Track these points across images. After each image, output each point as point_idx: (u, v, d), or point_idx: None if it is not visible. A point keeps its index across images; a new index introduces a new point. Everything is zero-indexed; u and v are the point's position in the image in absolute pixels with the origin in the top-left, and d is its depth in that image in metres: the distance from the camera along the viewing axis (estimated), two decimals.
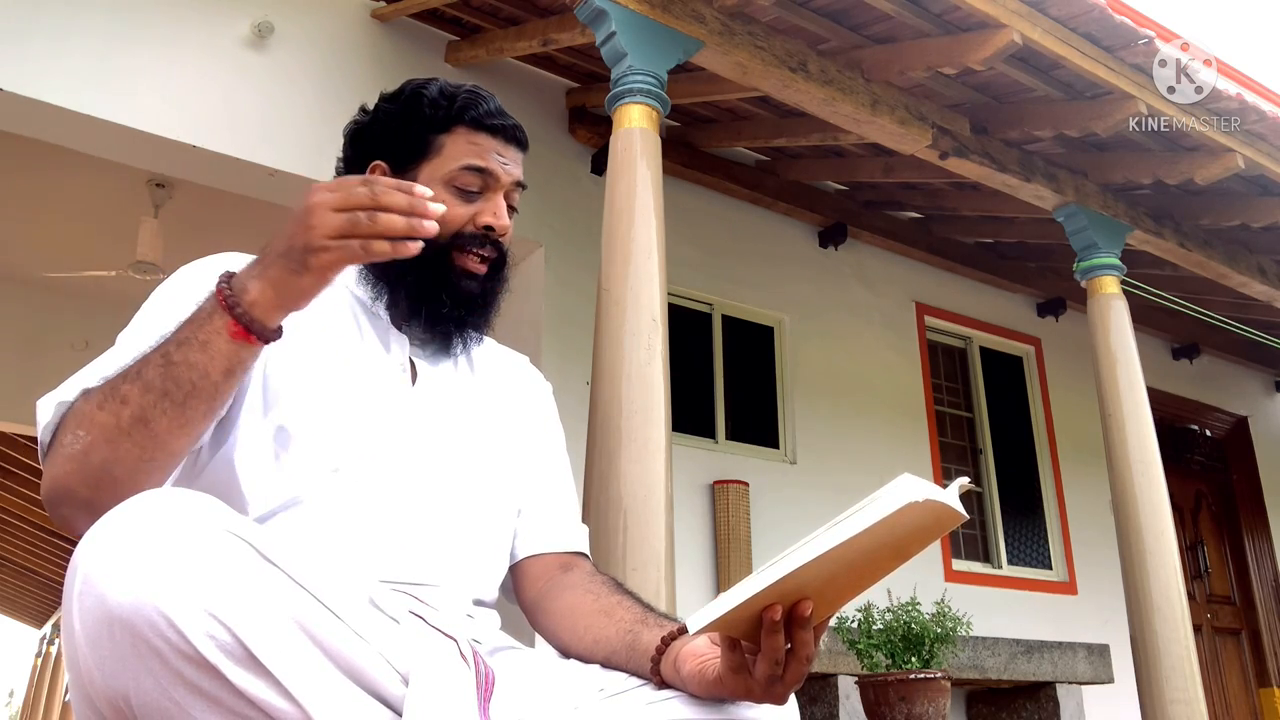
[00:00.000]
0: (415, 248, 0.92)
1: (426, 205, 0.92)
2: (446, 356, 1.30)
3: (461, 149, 1.26)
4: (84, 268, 5.04)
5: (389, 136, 1.29)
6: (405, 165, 1.27)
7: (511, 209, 1.30)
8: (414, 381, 1.25)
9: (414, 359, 1.27)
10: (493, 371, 1.37)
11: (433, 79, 1.32)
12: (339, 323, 1.24)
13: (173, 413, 0.96)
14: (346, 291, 1.28)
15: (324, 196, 0.92)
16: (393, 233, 0.91)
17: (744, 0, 3.05)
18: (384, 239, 0.91)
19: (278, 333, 0.98)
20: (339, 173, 1.35)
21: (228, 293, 0.95)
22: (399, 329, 1.27)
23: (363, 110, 1.34)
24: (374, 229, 0.91)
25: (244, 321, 0.95)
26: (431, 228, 0.92)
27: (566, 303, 4.01)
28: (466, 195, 1.25)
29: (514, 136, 1.30)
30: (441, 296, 1.23)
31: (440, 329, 1.26)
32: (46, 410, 1.03)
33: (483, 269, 1.26)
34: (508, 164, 1.28)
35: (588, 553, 1.35)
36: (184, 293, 1.17)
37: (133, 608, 0.78)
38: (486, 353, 1.40)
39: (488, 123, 1.27)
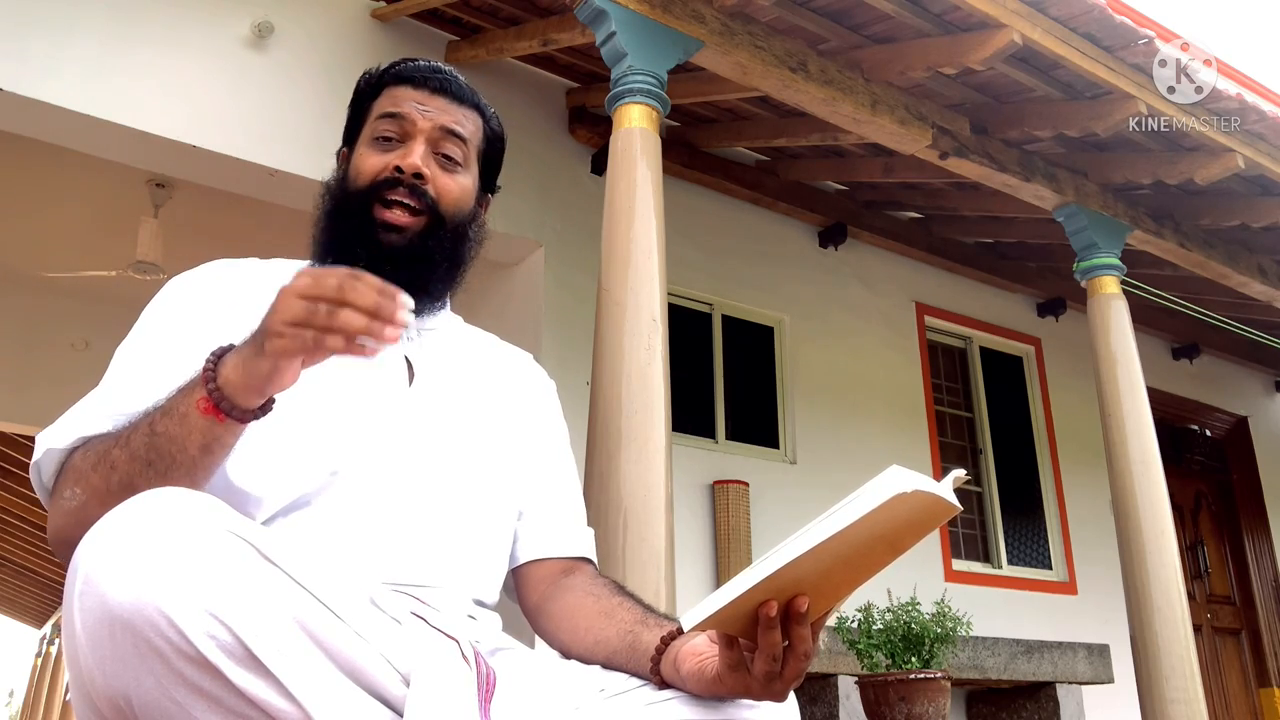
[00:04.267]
0: (372, 349, 0.90)
1: (396, 310, 0.89)
2: (441, 355, 1.29)
3: (382, 104, 1.28)
4: (84, 268, 5.04)
5: (346, 126, 1.34)
6: (352, 141, 1.31)
7: (449, 160, 1.26)
8: (411, 381, 1.24)
9: (410, 358, 1.25)
10: (494, 369, 1.36)
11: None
12: None
13: (157, 482, 0.95)
14: None
15: (297, 282, 0.90)
16: (348, 330, 0.88)
17: (744, 0, 3.05)
18: (339, 334, 0.89)
19: (252, 414, 0.96)
20: None
21: (210, 366, 0.95)
22: None
23: None
24: (329, 323, 0.88)
25: (215, 398, 0.94)
26: (392, 335, 0.89)
27: (566, 303, 4.01)
28: (385, 144, 1.26)
29: (441, 86, 1.28)
30: (355, 249, 1.20)
31: None
32: (42, 448, 1.04)
33: (405, 220, 1.22)
34: (428, 110, 1.26)
35: (592, 557, 1.34)
36: (176, 303, 1.18)
37: (133, 608, 0.78)
38: (488, 350, 1.39)
39: (408, 75, 1.29)
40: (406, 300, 0.90)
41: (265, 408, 0.97)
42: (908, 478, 0.79)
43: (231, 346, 0.97)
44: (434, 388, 1.25)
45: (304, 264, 1.31)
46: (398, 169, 1.22)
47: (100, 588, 0.80)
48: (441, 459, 1.20)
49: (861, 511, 0.80)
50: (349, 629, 0.85)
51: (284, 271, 1.26)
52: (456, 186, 1.27)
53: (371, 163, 1.24)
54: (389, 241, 1.21)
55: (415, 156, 1.23)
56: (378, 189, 1.22)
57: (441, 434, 1.21)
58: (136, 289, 4.76)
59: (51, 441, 1.04)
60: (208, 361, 0.96)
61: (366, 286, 0.89)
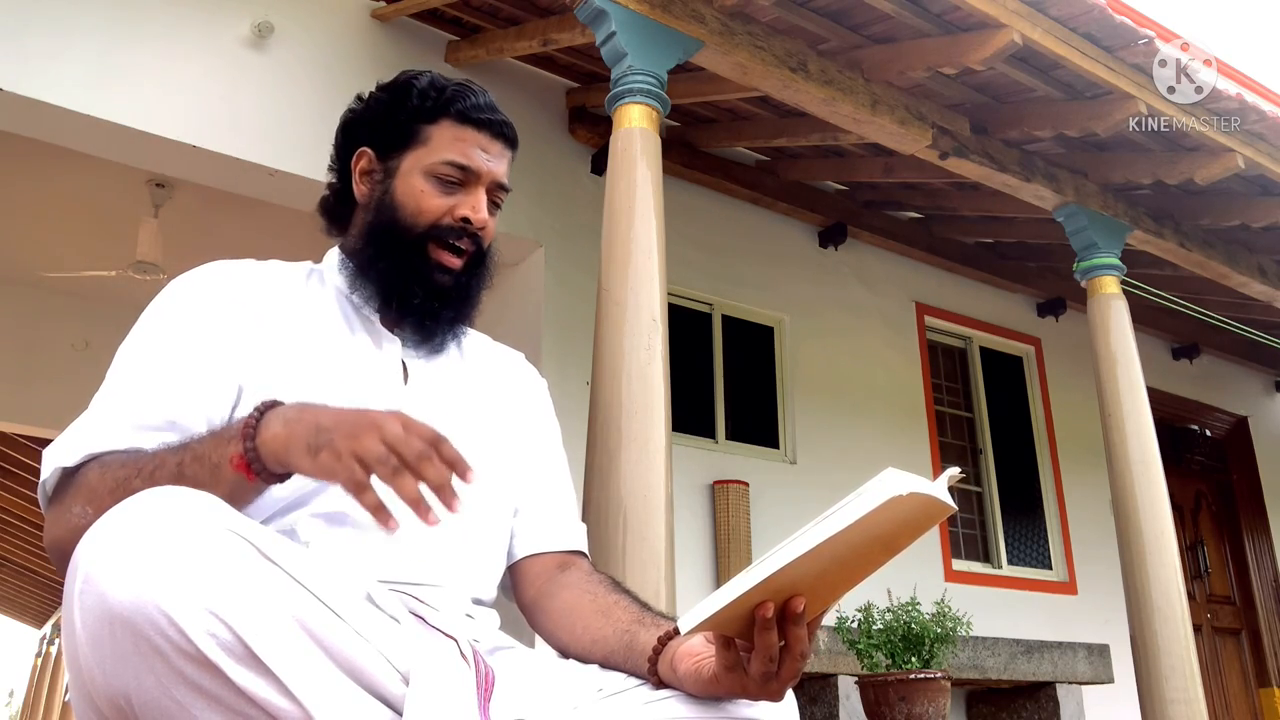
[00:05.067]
0: (393, 526, 0.90)
1: (454, 501, 0.90)
2: (436, 355, 1.30)
3: (446, 141, 1.26)
4: (84, 268, 5.04)
5: (378, 124, 1.30)
6: (390, 153, 1.28)
7: (495, 206, 1.30)
8: (406, 381, 1.25)
9: (405, 360, 1.27)
10: (487, 369, 1.37)
11: (427, 71, 1.32)
12: (330, 325, 1.24)
13: None
14: (338, 294, 1.28)
15: (389, 424, 0.90)
16: (402, 495, 0.89)
17: (744, 0, 3.05)
18: (377, 493, 0.89)
19: (278, 478, 0.97)
20: (331, 163, 1.35)
21: (255, 421, 0.96)
22: (390, 331, 1.27)
23: (357, 98, 1.35)
24: (388, 478, 0.89)
25: (249, 457, 0.95)
26: (433, 520, 0.90)
27: (566, 303, 4.01)
28: (447, 186, 1.26)
29: (501, 132, 1.30)
30: (413, 287, 1.24)
31: (413, 320, 1.26)
32: (50, 467, 1.05)
33: (457, 263, 1.26)
34: (491, 160, 1.28)
35: (586, 551, 1.35)
36: (180, 308, 1.17)
37: (134, 606, 0.78)
38: (480, 350, 1.40)
39: (474, 116, 1.27)
40: (472, 477, 0.92)
41: (291, 473, 0.98)
42: (904, 480, 0.79)
43: (277, 404, 0.97)
44: (428, 388, 1.26)
45: (303, 266, 1.31)
46: (465, 220, 1.25)
47: (100, 586, 0.80)
48: None
49: (858, 514, 0.80)
50: (349, 628, 0.85)
51: (280, 275, 1.27)
52: (493, 226, 1.31)
53: (435, 204, 1.25)
54: (442, 282, 1.26)
55: (484, 211, 1.27)
56: (440, 233, 1.25)
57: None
58: (136, 289, 4.76)
59: (60, 460, 1.04)
60: (250, 417, 0.96)
61: (442, 467, 0.90)
